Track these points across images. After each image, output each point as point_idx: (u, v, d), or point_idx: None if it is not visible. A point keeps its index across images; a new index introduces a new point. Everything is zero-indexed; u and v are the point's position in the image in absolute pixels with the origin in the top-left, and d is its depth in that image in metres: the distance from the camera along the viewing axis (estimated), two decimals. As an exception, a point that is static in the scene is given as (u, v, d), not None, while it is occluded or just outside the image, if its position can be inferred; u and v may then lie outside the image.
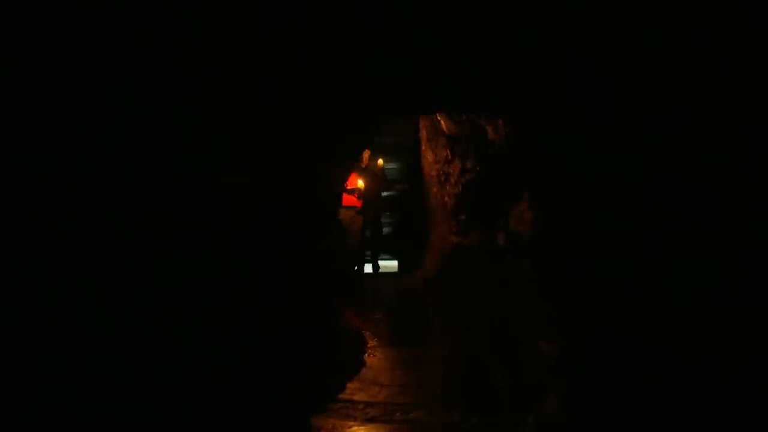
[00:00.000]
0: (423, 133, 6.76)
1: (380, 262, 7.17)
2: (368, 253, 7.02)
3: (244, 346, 2.70)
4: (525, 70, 3.26)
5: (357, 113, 3.45)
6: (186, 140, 2.39)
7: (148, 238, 2.22)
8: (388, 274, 7.41)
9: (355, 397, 3.18)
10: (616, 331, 2.42)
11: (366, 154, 6.27)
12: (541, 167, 4.00)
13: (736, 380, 1.71)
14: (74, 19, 2.07)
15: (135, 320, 2.16)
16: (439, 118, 5.48)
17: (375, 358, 3.91)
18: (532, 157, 4.30)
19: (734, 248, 1.82)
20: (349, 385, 3.37)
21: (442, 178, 6.01)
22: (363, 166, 6.39)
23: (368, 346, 4.14)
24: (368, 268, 6.95)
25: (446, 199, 5.91)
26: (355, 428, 2.79)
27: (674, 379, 1.94)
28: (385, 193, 6.93)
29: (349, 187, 5.96)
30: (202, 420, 2.40)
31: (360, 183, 6.18)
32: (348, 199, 6.06)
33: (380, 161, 6.76)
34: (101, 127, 2.13)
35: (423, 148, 6.88)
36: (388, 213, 7.42)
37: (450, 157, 5.77)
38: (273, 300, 3.02)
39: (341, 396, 3.20)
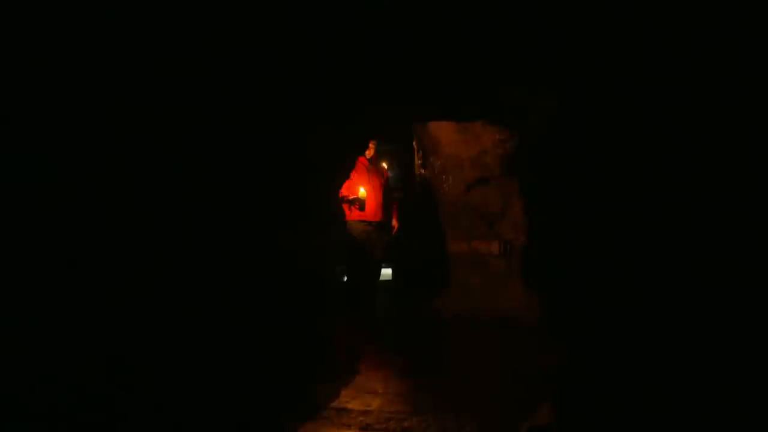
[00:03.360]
0: (418, 141, 6.78)
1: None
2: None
3: (232, 351, 2.68)
4: (519, 79, 3.28)
5: (351, 114, 3.41)
6: (157, 138, 2.34)
7: (122, 238, 2.20)
8: (383, 283, 7.40)
9: (349, 405, 3.16)
10: (611, 339, 2.43)
11: (372, 148, 5.58)
12: (536, 174, 4.03)
13: (735, 389, 1.72)
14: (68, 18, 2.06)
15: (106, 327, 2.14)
16: (434, 125, 5.50)
17: (370, 365, 3.90)
18: (527, 164, 4.33)
19: (733, 252, 1.83)
20: (343, 392, 3.35)
21: (437, 186, 6.03)
22: (368, 157, 5.63)
23: (363, 353, 4.13)
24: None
25: (441, 206, 5.93)
26: (349, 436, 2.78)
27: (671, 389, 1.95)
28: None
29: (350, 197, 5.31)
30: (191, 427, 2.38)
31: (362, 192, 5.39)
32: (355, 212, 5.37)
33: (384, 164, 6.25)
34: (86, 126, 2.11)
35: (418, 155, 6.90)
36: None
37: (445, 164, 5.80)
38: (261, 304, 3.00)
39: (335, 403, 3.18)
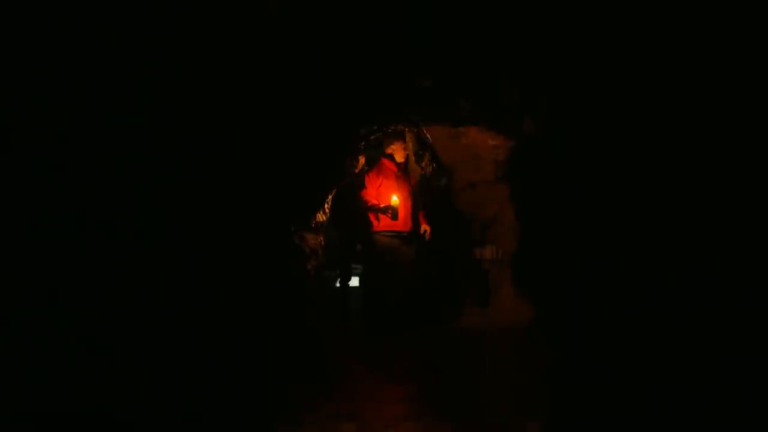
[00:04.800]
0: (409, 145, 6.78)
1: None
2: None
3: (221, 353, 2.65)
4: (515, 85, 3.29)
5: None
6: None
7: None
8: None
9: (342, 411, 3.15)
10: (603, 346, 2.44)
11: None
12: (528, 180, 4.05)
13: (732, 396, 1.73)
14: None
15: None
16: (425, 130, 5.50)
17: (363, 371, 3.88)
18: (519, 170, 4.35)
19: (729, 259, 1.84)
20: (335, 398, 3.34)
21: (429, 190, 6.03)
22: (398, 161, 5.17)
23: (357, 359, 4.12)
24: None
25: (433, 210, 5.92)
26: (342, 442, 2.77)
27: (665, 394, 1.97)
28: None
29: (380, 205, 4.87)
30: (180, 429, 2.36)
31: (395, 200, 4.89)
32: (383, 222, 4.88)
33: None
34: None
35: (410, 159, 6.90)
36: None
37: (436, 170, 5.81)
38: (252, 306, 2.98)
39: (327, 410, 3.17)
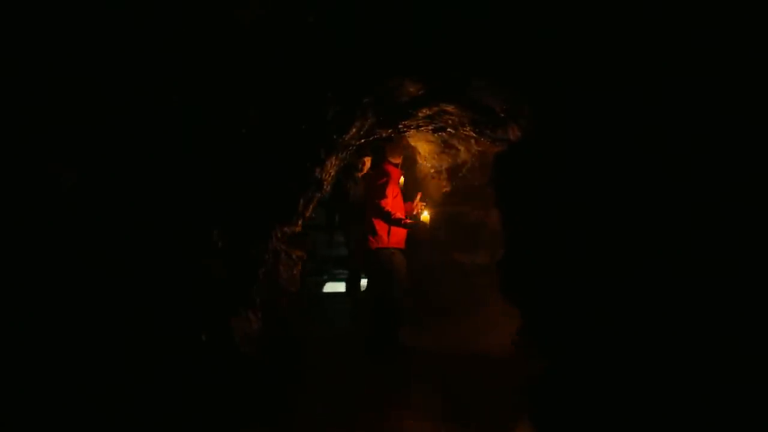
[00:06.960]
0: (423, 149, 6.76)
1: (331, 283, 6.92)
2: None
3: (198, 361, 2.61)
4: (500, 91, 3.31)
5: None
6: None
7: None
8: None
9: (324, 413, 3.15)
10: (588, 354, 2.45)
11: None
12: (513, 185, 4.06)
13: (717, 405, 1.74)
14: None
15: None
16: (411, 136, 5.51)
17: (352, 374, 3.88)
18: (504, 176, 4.36)
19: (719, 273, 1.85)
20: (324, 402, 3.34)
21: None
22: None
23: (345, 363, 4.11)
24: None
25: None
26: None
27: (651, 403, 1.98)
28: None
29: (407, 221, 4.60)
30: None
31: (425, 215, 4.66)
32: (393, 238, 4.60)
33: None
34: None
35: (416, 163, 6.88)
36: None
37: (424, 174, 5.83)
38: (236, 309, 2.95)
39: (311, 412, 3.16)
